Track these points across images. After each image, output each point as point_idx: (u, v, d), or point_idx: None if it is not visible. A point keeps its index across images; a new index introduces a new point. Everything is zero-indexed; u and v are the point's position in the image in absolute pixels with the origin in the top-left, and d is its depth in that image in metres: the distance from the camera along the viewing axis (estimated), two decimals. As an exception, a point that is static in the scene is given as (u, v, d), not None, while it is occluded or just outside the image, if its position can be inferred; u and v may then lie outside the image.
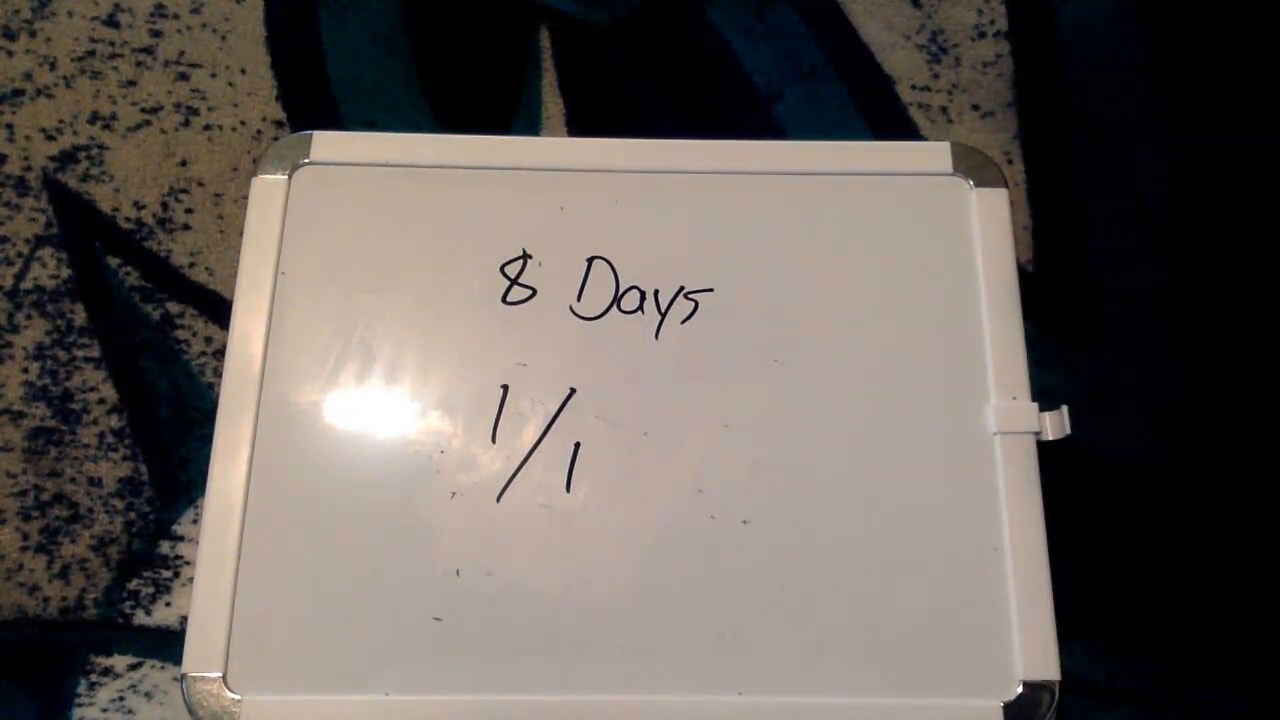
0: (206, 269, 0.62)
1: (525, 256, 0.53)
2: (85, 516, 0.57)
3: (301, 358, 0.51)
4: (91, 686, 0.54)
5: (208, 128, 0.65)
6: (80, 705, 0.54)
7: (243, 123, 0.65)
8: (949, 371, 0.51)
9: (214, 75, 0.66)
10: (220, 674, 0.46)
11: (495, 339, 0.51)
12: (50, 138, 0.64)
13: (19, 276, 0.61)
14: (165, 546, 0.57)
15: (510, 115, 0.66)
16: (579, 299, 0.52)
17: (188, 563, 0.56)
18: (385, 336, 0.51)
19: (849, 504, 0.49)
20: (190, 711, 0.46)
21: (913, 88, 0.67)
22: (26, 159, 0.64)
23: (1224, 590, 0.57)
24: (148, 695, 0.54)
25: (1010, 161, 0.65)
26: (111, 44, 0.66)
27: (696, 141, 0.55)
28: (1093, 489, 0.59)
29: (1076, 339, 0.62)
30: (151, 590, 0.56)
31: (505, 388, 0.50)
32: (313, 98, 0.66)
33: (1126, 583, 0.57)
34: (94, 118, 0.65)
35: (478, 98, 0.67)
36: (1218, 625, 0.57)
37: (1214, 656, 0.56)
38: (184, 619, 0.49)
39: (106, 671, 0.54)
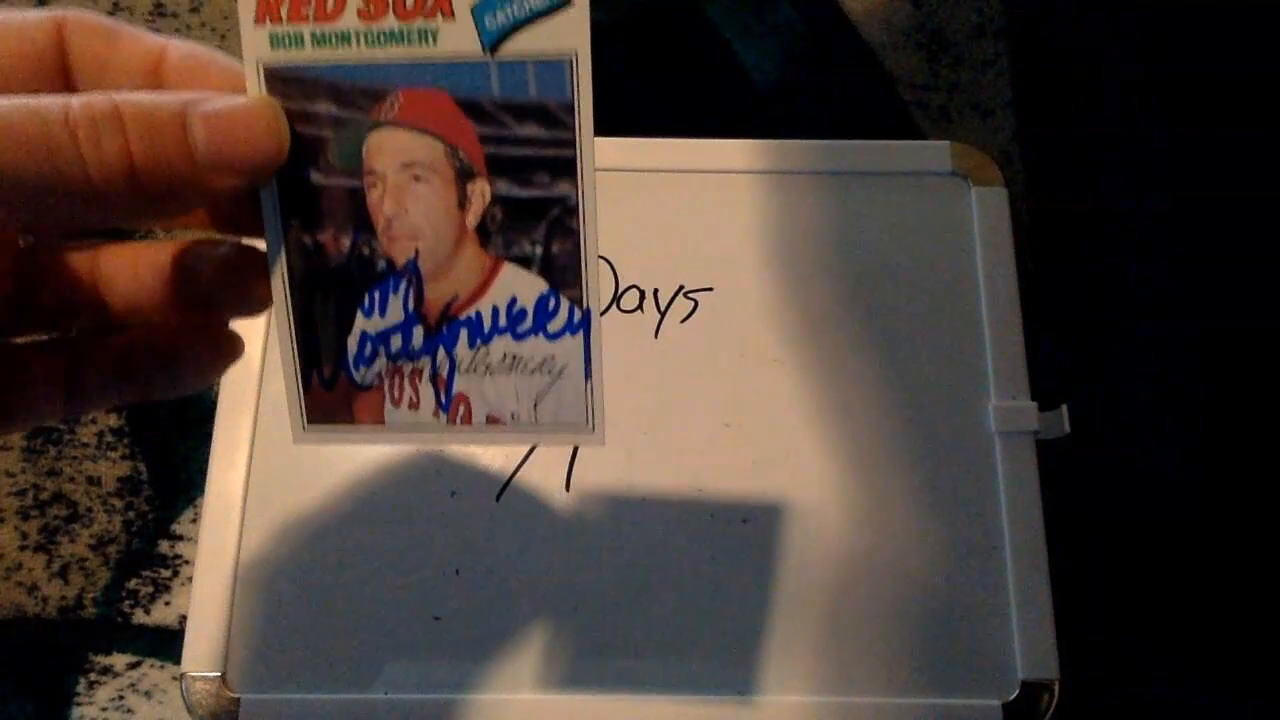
0: (206, 268, 0.62)
1: (525, 256, 0.53)
2: (84, 516, 0.57)
3: (301, 357, 0.51)
4: (90, 685, 0.54)
5: (207, 127, 0.65)
6: (79, 704, 0.54)
7: (242, 122, 0.65)
8: (949, 371, 0.51)
9: (213, 74, 0.66)
10: (219, 673, 0.46)
11: (495, 338, 0.51)
12: (49, 137, 0.64)
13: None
14: (164, 546, 0.57)
15: (510, 115, 0.66)
16: (579, 298, 0.52)
17: (187, 562, 0.56)
18: (385, 336, 0.51)
19: (848, 504, 0.49)
20: (189, 711, 0.46)
21: (913, 87, 0.67)
22: (26, 158, 0.64)
23: (1225, 591, 0.57)
24: (147, 694, 0.54)
25: (1010, 161, 0.65)
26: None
27: (697, 141, 0.55)
28: (1093, 489, 0.59)
29: (1077, 339, 0.62)
30: (150, 589, 0.56)
31: (505, 387, 0.50)
32: (312, 97, 0.66)
33: (1127, 583, 0.57)
34: (93, 117, 0.65)
35: (477, 97, 0.67)
36: (1219, 626, 0.57)
37: (1216, 657, 0.56)
38: (183, 618, 0.49)
39: (105, 670, 0.54)
